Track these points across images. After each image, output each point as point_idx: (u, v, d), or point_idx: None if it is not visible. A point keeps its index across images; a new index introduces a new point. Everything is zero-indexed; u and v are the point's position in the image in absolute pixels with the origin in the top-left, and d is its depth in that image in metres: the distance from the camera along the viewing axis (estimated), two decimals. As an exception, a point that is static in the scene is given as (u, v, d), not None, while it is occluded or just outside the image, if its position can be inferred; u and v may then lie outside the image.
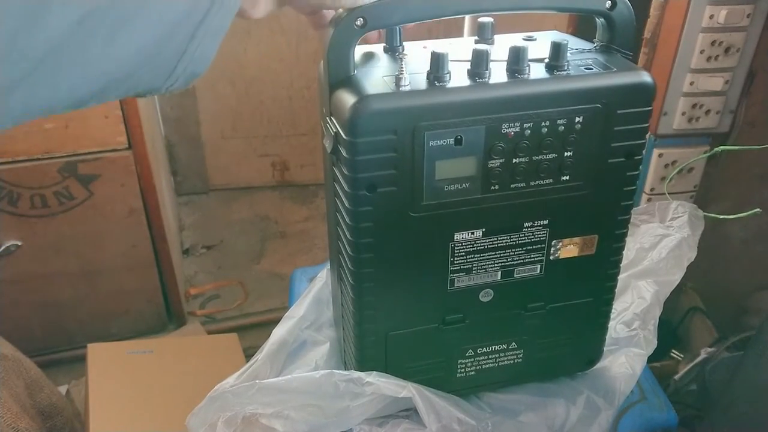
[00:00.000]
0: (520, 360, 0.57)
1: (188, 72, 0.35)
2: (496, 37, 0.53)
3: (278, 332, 0.62)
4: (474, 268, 0.51)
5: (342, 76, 0.45)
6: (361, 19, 0.43)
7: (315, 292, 0.66)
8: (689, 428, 0.88)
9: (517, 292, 0.53)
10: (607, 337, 0.59)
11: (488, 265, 0.51)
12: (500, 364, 0.57)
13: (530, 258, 0.51)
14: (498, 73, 0.46)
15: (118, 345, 1.22)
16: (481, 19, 0.52)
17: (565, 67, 0.46)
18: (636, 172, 0.49)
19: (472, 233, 0.49)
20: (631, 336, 0.61)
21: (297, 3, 0.43)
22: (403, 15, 0.44)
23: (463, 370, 0.56)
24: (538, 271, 0.52)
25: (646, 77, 0.46)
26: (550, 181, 0.48)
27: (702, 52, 0.83)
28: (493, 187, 0.47)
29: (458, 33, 1.52)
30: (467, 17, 1.10)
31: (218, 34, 0.35)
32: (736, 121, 0.89)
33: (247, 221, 1.91)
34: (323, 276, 0.67)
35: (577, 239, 0.51)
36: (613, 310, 0.58)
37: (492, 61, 0.45)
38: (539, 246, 0.51)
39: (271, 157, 1.99)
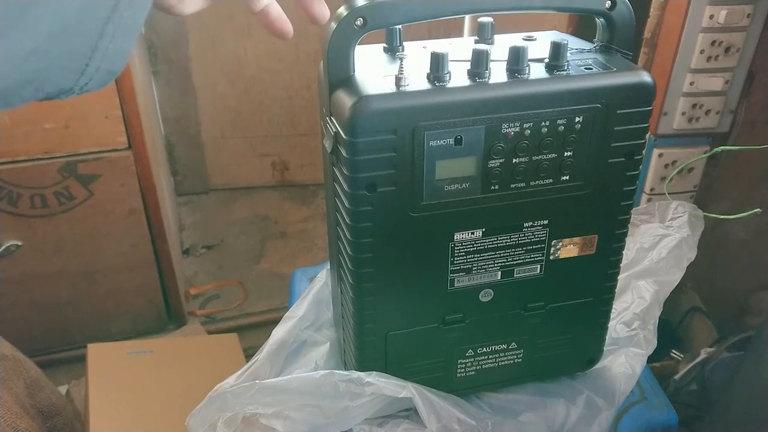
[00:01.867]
0: (520, 360, 0.57)
1: (103, 70, 0.33)
2: (496, 37, 0.53)
3: (278, 332, 0.62)
4: (474, 268, 0.51)
5: (342, 76, 0.45)
6: (361, 19, 0.43)
7: (315, 292, 0.66)
8: (689, 428, 0.88)
9: (517, 292, 0.53)
10: (607, 337, 0.59)
11: (488, 265, 0.51)
12: (500, 364, 0.57)
13: (530, 258, 0.51)
14: (498, 73, 0.46)
15: (118, 345, 1.22)
16: (481, 19, 0.52)
17: (565, 67, 0.46)
18: (636, 172, 0.49)
19: (472, 233, 0.49)
20: (631, 336, 0.61)
21: None
22: (403, 15, 0.44)
23: (463, 370, 0.56)
24: (538, 271, 0.52)
25: (646, 77, 0.46)
26: (550, 181, 0.48)
27: (702, 52, 0.83)
28: (493, 187, 0.47)
29: (458, 33, 1.52)
30: (467, 17, 1.10)
31: (132, 29, 0.33)
32: (736, 121, 0.89)
33: (247, 221, 1.91)
34: (323, 276, 0.67)
35: (577, 239, 0.51)
36: (613, 310, 0.58)
37: (492, 61, 0.45)
38: (539, 246, 0.51)
39: (271, 157, 1.99)
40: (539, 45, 0.50)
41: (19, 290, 1.28)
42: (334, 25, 0.44)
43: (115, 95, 1.14)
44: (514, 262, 0.51)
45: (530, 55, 0.46)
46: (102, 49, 0.32)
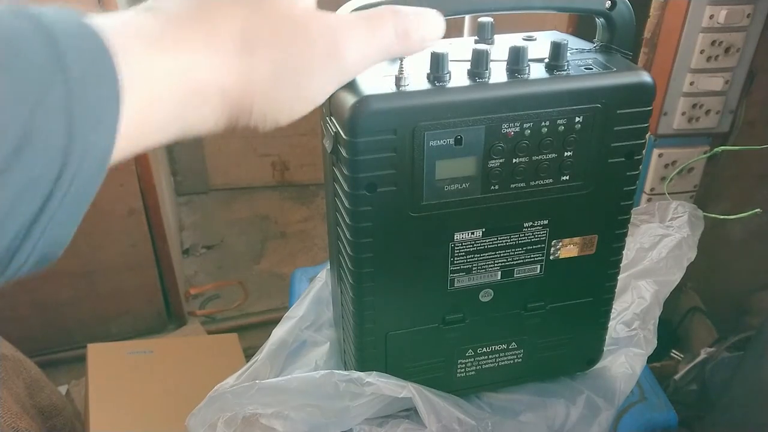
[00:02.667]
0: (520, 360, 0.57)
1: (31, 264, 0.27)
2: (496, 37, 0.53)
3: (278, 332, 0.62)
4: (474, 268, 0.51)
5: (342, 76, 0.45)
6: (361, 19, 0.43)
7: (315, 292, 0.66)
8: (689, 428, 0.88)
9: (517, 292, 0.53)
10: (607, 337, 0.59)
11: (488, 265, 0.51)
12: (500, 364, 0.57)
13: (530, 258, 0.51)
14: (498, 73, 0.46)
15: (118, 345, 1.22)
16: (480, 19, 0.52)
17: (565, 67, 0.46)
18: (636, 172, 0.49)
19: (472, 233, 0.49)
20: (631, 336, 0.61)
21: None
22: (403, 15, 0.44)
23: (463, 370, 0.56)
24: (538, 271, 0.52)
25: (645, 77, 0.46)
26: (550, 181, 0.48)
27: (702, 52, 0.83)
28: (493, 187, 0.47)
29: (458, 33, 1.52)
30: (467, 17, 1.10)
31: (75, 215, 0.27)
32: (736, 121, 0.89)
33: (247, 221, 1.91)
34: (323, 276, 0.67)
35: (577, 239, 0.51)
36: (613, 310, 0.58)
37: (492, 61, 0.45)
38: (539, 246, 0.51)
39: (271, 157, 1.99)
40: (539, 45, 0.50)
41: (19, 290, 1.28)
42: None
43: (115, 95, 1.14)
44: (514, 262, 0.51)
45: (530, 55, 0.46)
46: (26, 249, 0.26)
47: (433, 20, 0.39)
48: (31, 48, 0.25)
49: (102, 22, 0.28)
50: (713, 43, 0.83)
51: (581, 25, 0.94)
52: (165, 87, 0.30)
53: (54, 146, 0.25)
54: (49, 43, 0.25)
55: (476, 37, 0.53)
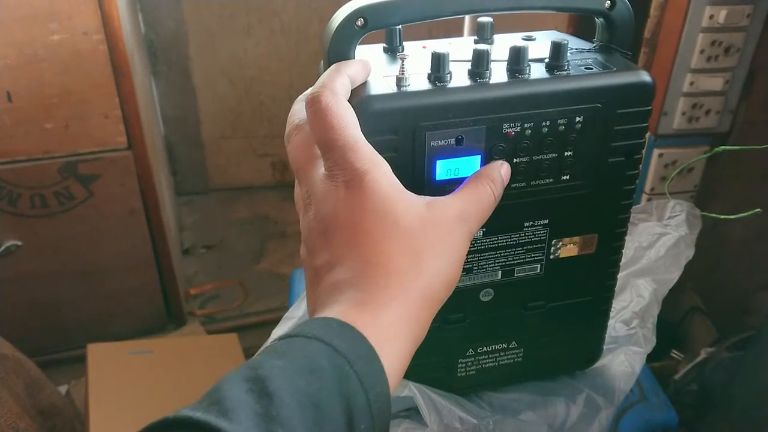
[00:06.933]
0: (521, 359, 0.57)
1: None
2: (496, 36, 0.53)
3: (278, 332, 0.62)
4: (474, 268, 0.51)
5: (342, 76, 0.45)
6: (362, 20, 0.43)
7: (315, 291, 0.66)
8: (689, 428, 0.89)
9: (517, 292, 0.53)
10: (606, 336, 0.59)
11: (488, 264, 0.51)
12: (500, 363, 0.57)
13: (530, 257, 0.51)
14: (498, 73, 0.46)
15: (118, 345, 1.22)
16: (480, 19, 0.52)
17: (565, 67, 0.46)
18: (636, 172, 0.49)
19: (473, 233, 0.49)
20: (630, 334, 0.61)
21: None
22: (403, 15, 0.44)
23: (463, 369, 0.56)
24: (538, 271, 0.52)
25: (645, 77, 0.46)
26: (551, 180, 0.48)
27: (702, 52, 0.83)
28: (493, 187, 0.47)
29: (458, 33, 1.52)
30: (467, 17, 1.10)
31: None
32: (736, 121, 0.90)
33: (247, 221, 1.91)
34: (323, 276, 0.67)
35: (577, 238, 0.51)
36: (612, 309, 0.58)
37: (492, 61, 0.45)
38: (539, 245, 0.51)
39: (271, 157, 2.00)
40: (539, 45, 0.50)
41: (19, 290, 1.28)
42: (334, 26, 0.44)
43: (115, 95, 1.14)
44: (515, 262, 0.51)
45: (530, 55, 0.46)
46: None
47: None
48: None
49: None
50: (713, 43, 0.83)
51: (581, 25, 0.94)
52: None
53: None
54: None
55: (476, 37, 0.53)
